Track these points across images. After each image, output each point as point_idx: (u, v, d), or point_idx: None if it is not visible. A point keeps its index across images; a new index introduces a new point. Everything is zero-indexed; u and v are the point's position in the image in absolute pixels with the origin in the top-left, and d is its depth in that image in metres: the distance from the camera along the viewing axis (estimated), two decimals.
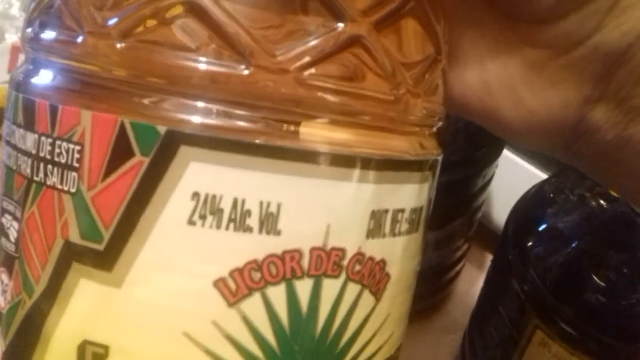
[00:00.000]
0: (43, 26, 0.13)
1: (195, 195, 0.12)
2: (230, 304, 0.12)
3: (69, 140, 0.12)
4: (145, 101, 0.12)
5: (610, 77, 0.14)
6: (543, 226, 0.27)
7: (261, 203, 0.12)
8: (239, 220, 0.12)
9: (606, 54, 0.14)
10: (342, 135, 0.12)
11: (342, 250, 0.13)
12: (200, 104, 0.12)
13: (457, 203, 0.32)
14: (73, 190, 0.12)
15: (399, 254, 0.14)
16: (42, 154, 0.13)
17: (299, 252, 0.12)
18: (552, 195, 0.28)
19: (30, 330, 0.13)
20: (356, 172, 0.12)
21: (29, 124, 0.13)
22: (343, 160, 0.12)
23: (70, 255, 0.12)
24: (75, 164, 0.12)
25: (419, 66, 0.14)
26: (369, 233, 0.13)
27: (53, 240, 0.12)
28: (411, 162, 0.14)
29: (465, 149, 0.30)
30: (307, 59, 0.12)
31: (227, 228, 0.12)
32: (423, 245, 0.16)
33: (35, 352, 0.13)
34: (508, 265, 0.27)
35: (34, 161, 0.13)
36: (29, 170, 0.13)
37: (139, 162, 0.12)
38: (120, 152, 0.12)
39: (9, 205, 0.14)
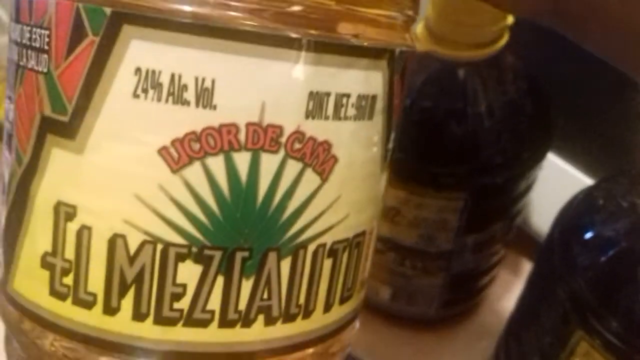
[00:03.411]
0: None
1: (138, 70, 0.13)
2: (174, 170, 0.13)
3: (40, 27, 0.14)
4: None
5: None
6: (590, 233, 0.26)
7: (196, 78, 0.13)
8: (176, 94, 0.13)
9: None
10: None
11: (280, 128, 0.13)
12: None
13: (498, 206, 0.32)
14: (45, 70, 0.14)
15: (346, 138, 0.15)
16: (24, 41, 0.14)
17: (235, 126, 0.13)
18: (601, 201, 0.27)
19: (21, 195, 0.15)
20: (288, 52, 0.13)
21: (17, 16, 0.15)
22: (274, 40, 0.13)
23: (45, 127, 0.14)
24: (46, 47, 0.14)
25: None
26: (309, 113, 0.14)
27: (34, 116, 0.14)
28: (353, 47, 0.14)
29: (510, 150, 0.30)
30: None
31: (166, 101, 0.13)
32: (385, 137, 0.16)
33: (25, 213, 0.15)
34: (552, 273, 0.26)
35: (20, 48, 0.15)
36: (16, 57, 0.15)
37: (91, 41, 0.13)
38: (77, 34, 0.13)
39: (9, 92, 0.16)
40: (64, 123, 0.14)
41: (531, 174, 0.32)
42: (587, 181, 0.35)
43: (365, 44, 0.14)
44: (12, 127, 0.15)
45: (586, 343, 0.24)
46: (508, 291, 0.37)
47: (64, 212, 0.14)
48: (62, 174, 0.14)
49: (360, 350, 0.32)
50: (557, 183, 0.34)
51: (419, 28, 0.29)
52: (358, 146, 0.15)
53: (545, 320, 0.27)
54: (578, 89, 0.16)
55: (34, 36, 0.14)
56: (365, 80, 0.15)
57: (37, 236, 0.15)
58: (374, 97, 0.15)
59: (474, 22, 0.27)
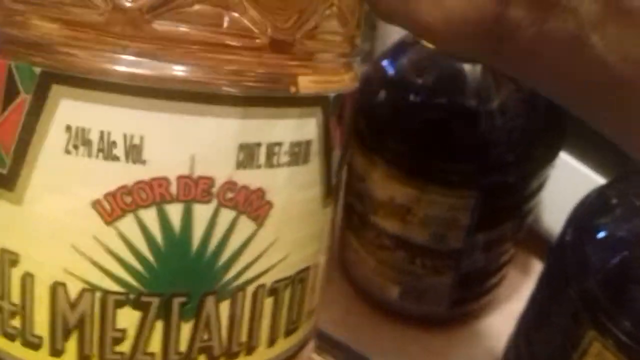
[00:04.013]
0: None
1: (68, 128, 0.13)
2: (107, 223, 0.14)
3: None
4: (26, 48, 0.13)
5: None
6: (603, 233, 0.26)
7: (125, 135, 0.13)
8: (106, 151, 0.13)
9: None
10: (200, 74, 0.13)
11: (211, 179, 0.14)
12: (65, 49, 0.13)
13: (509, 205, 0.32)
14: None
15: (281, 184, 0.15)
16: None
17: (166, 179, 0.14)
18: (614, 200, 0.27)
19: None
20: (217, 108, 0.13)
21: None
22: (204, 97, 0.13)
23: None
24: None
25: (292, 7, 0.14)
26: (240, 164, 0.14)
27: None
28: (285, 98, 0.14)
29: (522, 148, 0.30)
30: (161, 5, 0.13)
31: (97, 157, 0.13)
32: (324, 176, 0.16)
33: None
34: (564, 272, 0.26)
35: None
36: None
37: (23, 99, 0.13)
38: (10, 91, 0.14)
39: None
40: (3, 175, 0.14)
41: (543, 172, 0.31)
42: (599, 180, 0.34)
43: (299, 94, 0.15)
44: None
45: (599, 343, 0.24)
46: (517, 291, 0.38)
47: (7, 259, 0.15)
48: (3, 223, 0.14)
49: (367, 348, 0.32)
50: (568, 182, 0.34)
51: None
52: (294, 190, 0.15)
53: (556, 320, 0.27)
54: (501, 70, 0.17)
55: None
56: (297, 128, 0.15)
57: None
58: (308, 143, 0.15)
59: None
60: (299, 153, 0.15)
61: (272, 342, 0.16)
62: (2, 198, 0.14)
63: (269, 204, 0.15)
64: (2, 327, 0.15)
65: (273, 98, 0.14)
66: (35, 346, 0.15)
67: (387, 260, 0.33)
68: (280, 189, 0.15)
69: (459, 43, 0.16)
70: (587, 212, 0.27)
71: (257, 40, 0.13)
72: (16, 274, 0.14)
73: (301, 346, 0.18)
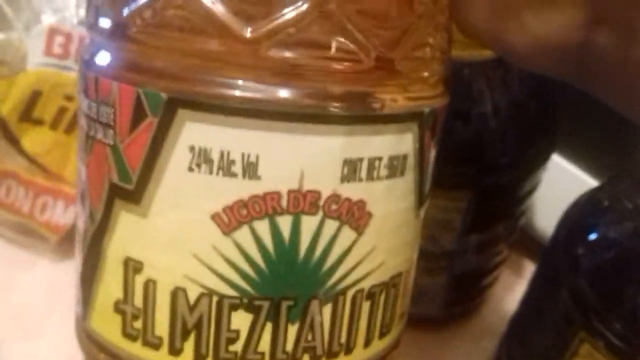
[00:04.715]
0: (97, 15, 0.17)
1: (192, 148, 0.15)
2: (225, 233, 0.15)
3: (106, 104, 0.16)
4: (152, 76, 0.15)
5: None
6: (594, 235, 0.26)
7: (243, 154, 0.14)
8: (226, 168, 0.15)
9: None
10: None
11: (318, 193, 0.15)
12: (192, 75, 0.14)
13: (502, 207, 0.32)
14: (111, 143, 0.16)
15: (380, 195, 0.16)
16: (92, 115, 0.16)
17: (277, 193, 0.15)
18: (606, 202, 0.27)
19: (94, 249, 0.17)
20: (323, 127, 0.15)
21: (85, 91, 0.17)
22: (313, 117, 0.14)
23: (114, 193, 0.16)
24: (111, 123, 0.16)
25: (395, 29, 0.15)
26: (344, 178, 0.15)
27: (103, 181, 0.16)
28: (383, 116, 0.15)
29: (515, 150, 0.30)
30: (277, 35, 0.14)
31: (217, 174, 0.15)
32: (418, 187, 0.17)
33: (99, 264, 0.17)
34: (556, 274, 0.27)
35: (88, 120, 0.17)
36: (86, 127, 0.17)
37: (150, 121, 0.15)
38: (138, 114, 0.15)
39: (80, 154, 0.18)
40: (130, 190, 0.16)
41: (535, 175, 0.32)
42: (591, 182, 0.35)
43: (395, 112, 0.16)
44: (85, 187, 0.17)
45: (589, 344, 0.24)
46: (511, 292, 0.38)
47: (132, 267, 0.16)
48: (129, 234, 0.16)
49: None
50: (561, 184, 0.34)
51: None
52: (391, 201, 0.16)
53: (548, 321, 0.27)
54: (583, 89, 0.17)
55: (100, 112, 0.16)
56: (396, 143, 0.16)
57: (110, 285, 0.17)
58: (405, 156, 0.16)
59: None
60: (396, 166, 0.16)
61: (368, 343, 0.17)
62: (128, 211, 0.16)
63: (369, 215, 0.16)
64: (124, 329, 0.17)
65: (373, 116, 0.15)
66: (155, 346, 0.16)
67: None
68: (379, 201, 0.16)
69: (541, 65, 0.17)
70: (579, 214, 0.27)
71: (362, 63, 0.15)
72: (139, 280, 0.16)
73: (393, 347, 0.19)
